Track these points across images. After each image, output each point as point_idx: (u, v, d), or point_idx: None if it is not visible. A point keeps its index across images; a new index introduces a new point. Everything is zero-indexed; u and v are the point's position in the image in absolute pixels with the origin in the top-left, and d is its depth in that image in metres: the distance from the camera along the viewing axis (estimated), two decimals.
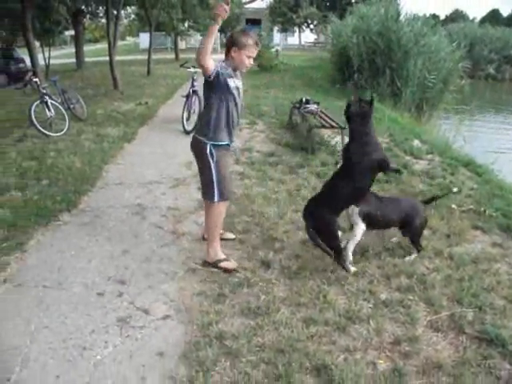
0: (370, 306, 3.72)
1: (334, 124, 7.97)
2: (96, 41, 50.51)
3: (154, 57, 24.40)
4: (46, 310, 3.69)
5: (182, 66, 10.76)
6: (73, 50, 27.85)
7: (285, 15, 43.11)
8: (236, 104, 4.03)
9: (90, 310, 3.69)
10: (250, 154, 7.90)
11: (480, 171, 7.54)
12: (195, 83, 9.81)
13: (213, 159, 3.99)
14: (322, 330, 3.40)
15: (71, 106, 10.76)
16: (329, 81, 17.38)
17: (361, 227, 4.20)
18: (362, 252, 4.51)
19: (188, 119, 9.65)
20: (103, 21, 33.52)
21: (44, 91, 9.80)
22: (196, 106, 9.66)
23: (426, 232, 5.03)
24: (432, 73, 13.78)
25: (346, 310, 3.63)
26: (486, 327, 3.46)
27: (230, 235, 4.91)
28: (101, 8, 21.92)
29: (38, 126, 9.14)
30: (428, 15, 30.36)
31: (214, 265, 4.29)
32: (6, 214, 5.44)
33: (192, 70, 10.12)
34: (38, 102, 9.54)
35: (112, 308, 3.72)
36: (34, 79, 10.06)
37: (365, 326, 3.47)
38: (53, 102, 9.90)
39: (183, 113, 9.66)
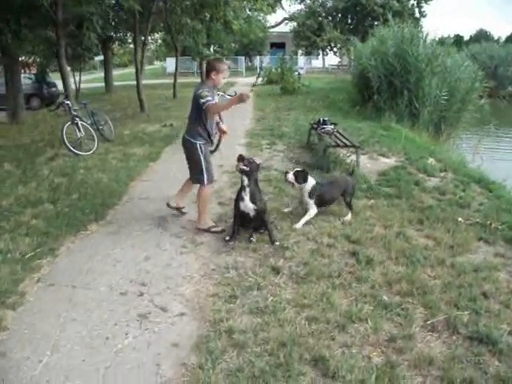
0: (371, 307, 4.00)
1: (348, 143, 8.28)
2: (125, 65, 51.72)
3: (180, 80, 25.02)
4: (75, 306, 4.10)
5: None
6: (102, 74, 28.82)
7: (309, 39, 43.73)
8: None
9: (113, 307, 4.07)
10: (268, 172, 8.21)
11: (492, 187, 7.75)
12: None
13: (202, 153, 5.48)
14: (323, 327, 3.70)
15: (100, 128, 11.29)
16: (349, 103, 17.71)
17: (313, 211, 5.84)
18: (367, 260, 4.81)
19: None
20: (131, 46, 34.64)
21: (75, 113, 10.35)
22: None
23: (429, 242, 5.35)
24: (444, 90, 13.96)
25: (347, 310, 3.92)
26: (479, 328, 3.71)
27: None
28: (129, 34, 22.65)
29: (69, 145, 9.66)
30: (452, 36, 30.65)
31: (207, 230, 5.64)
32: (40, 224, 5.93)
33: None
34: (70, 123, 10.10)
35: (133, 305, 4.09)
36: (66, 102, 10.60)
37: (363, 325, 3.76)
38: (83, 123, 10.43)
39: None
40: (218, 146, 9.73)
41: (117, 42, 26.23)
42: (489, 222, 5.96)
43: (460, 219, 6.05)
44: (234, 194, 6.93)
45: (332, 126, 9.08)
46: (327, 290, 4.25)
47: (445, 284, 4.44)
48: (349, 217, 6.05)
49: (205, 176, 5.53)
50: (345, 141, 8.46)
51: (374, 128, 12.50)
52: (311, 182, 5.88)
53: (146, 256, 5.07)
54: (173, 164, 9.08)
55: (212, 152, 9.51)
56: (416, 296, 4.19)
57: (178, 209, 6.26)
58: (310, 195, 5.83)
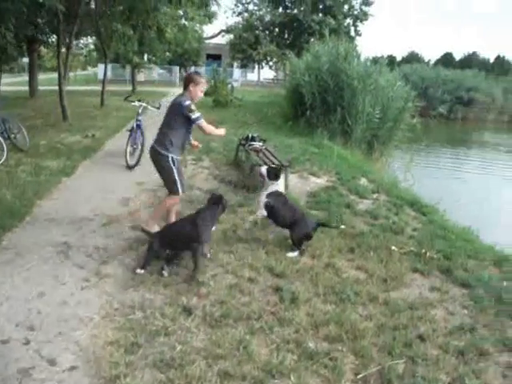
0: (294, 357, 3.47)
1: (276, 162, 7.76)
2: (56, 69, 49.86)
3: (111, 88, 24.07)
4: None
5: (126, 99, 10.44)
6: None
7: (244, 52, 43.50)
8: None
9: None
10: (191, 191, 7.61)
11: (425, 211, 7.49)
12: (139, 117, 9.57)
13: (174, 165, 5.37)
14: None
15: (12, 136, 10.31)
16: (282, 117, 17.32)
17: (262, 213, 5.72)
18: (292, 298, 4.29)
19: (132, 154, 9.29)
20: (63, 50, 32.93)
21: None
22: (139, 140, 9.34)
23: (361, 275, 4.90)
24: (377, 108, 13.82)
25: (267, 362, 3.38)
26: (416, 381, 3.27)
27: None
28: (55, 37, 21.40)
29: None
30: (385, 56, 31.41)
31: (146, 232, 5.28)
32: None
33: (136, 104, 9.87)
34: None
35: (15, 357, 3.40)
36: None
37: (285, 380, 3.23)
38: None
39: (127, 147, 9.31)
40: (139, 160, 9.07)
41: (43, 45, 24.70)
42: (423, 251, 5.62)
43: (393, 248, 5.66)
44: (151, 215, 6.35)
45: (261, 143, 8.53)
46: (245, 335, 3.69)
47: (378, 326, 3.99)
48: (294, 254, 5.34)
49: (178, 186, 5.45)
50: (273, 159, 7.97)
51: (306, 145, 12.09)
52: (279, 185, 5.90)
53: (41, 292, 4.35)
54: (89, 180, 8.35)
55: (132, 167, 8.90)
56: (346, 341, 3.71)
57: None
58: (268, 195, 5.71)
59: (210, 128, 5.46)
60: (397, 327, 3.97)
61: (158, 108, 10.16)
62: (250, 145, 8.47)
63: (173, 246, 4.87)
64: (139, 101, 9.99)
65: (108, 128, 14.01)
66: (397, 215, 7.12)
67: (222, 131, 5.74)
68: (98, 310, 4.06)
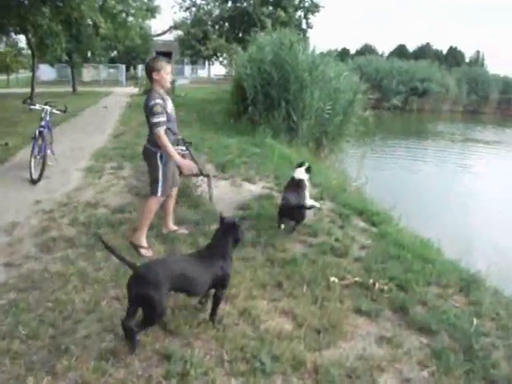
0: None
1: (195, 172, 6.41)
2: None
3: (53, 90, 22.56)
4: None
5: (24, 102, 9.00)
6: None
7: (193, 48, 41.96)
8: (171, 120, 4.97)
9: None
10: (95, 210, 6.21)
11: (377, 220, 6.36)
12: (43, 123, 8.14)
13: (161, 162, 4.96)
14: None
15: None
16: (226, 115, 16.01)
17: None
18: (182, 371, 3.01)
19: (37, 165, 7.82)
20: None
21: None
22: (42, 151, 7.89)
23: (286, 326, 3.66)
24: (328, 103, 12.78)
25: None
26: None
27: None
28: None
29: None
30: (339, 49, 30.76)
31: (135, 247, 5.00)
32: None
33: (37, 107, 8.47)
34: None
35: None
36: None
37: None
38: None
39: (31, 158, 7.84)
40: (42, 172, 7.65)
41: None
42: (371, 281, 4.44)
43: (333, 279, 4.44)
44: (37, 246, 5.03)
45: (183, 148, 7.13)
46: None
47: None
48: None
49: (159, 186, 5.04)
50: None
51: (246, 144, 10.81)
52: None
53: None
54: None
55: (36, 181, 7.55)
56: None
57: (175, 231, 5.58)
58: None
59: (165, 143, 4.77)
60: None
61: (65, 112, 8.78)
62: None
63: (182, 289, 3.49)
64: (46, 104, 8.58)
65: (27, 135, 12.37)
66: (342, 229, 5.95)
67: (181, 160, 4.93)
68: None
